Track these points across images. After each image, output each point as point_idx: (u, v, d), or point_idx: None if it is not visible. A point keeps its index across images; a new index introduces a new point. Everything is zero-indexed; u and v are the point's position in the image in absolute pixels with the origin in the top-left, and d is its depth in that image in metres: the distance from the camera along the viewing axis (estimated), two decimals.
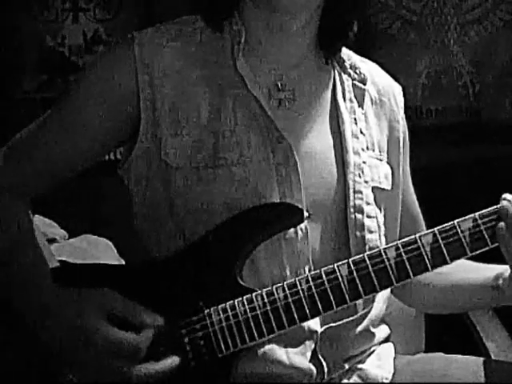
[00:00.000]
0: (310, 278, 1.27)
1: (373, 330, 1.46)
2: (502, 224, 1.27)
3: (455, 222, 1.28)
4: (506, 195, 1.29)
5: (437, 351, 1.58)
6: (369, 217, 1.41)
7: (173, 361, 1.25)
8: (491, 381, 1.43)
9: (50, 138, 1.38)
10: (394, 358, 1.51)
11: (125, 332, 1.23)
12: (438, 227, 1.28)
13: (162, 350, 1.26)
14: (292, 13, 1.35)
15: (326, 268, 1.27)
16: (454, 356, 1.53)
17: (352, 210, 1.39)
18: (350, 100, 1.46)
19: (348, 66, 1.48)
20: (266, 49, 1.40)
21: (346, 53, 1.49)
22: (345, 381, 1.41)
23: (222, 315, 1.27)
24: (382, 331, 1.50)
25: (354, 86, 1.48)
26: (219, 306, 1.27)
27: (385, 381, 1.45)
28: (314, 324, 1.35)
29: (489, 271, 1.42)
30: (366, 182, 1.42)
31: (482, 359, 1.50)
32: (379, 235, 1.43)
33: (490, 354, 1.80)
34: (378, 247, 1.35)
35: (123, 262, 1.65)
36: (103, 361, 1.22)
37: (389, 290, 1.47)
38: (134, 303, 1.26)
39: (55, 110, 1.41)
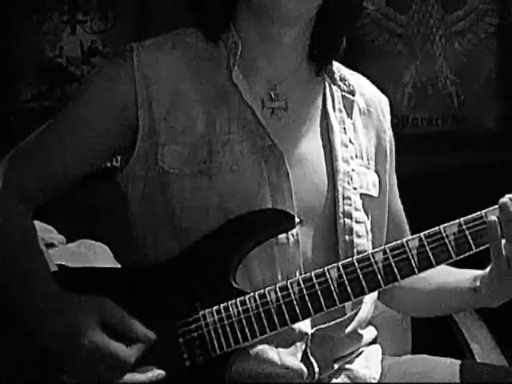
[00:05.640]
0: (300, 281, 1.30)
1: (360, 331, 1.49)
2: (493, 217, 1.30)
3: (441, 227, 1.31)
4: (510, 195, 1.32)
5: (422, 352, 1.61)
6: (357, 222, 1.44)
7: (158, 374, 1.28)
8: (475, 383, 1.45)
9: (51, 147, 1.41)
10: (382, 360, 1.54)
11: (116, 343, 1.26)
12: (424, 232, 1.31)
13: (158, 350, 1.29)
14: (286, 23, 1.38)
15: (316, 271, 1.30)
16: (439, 358, 1.56)
17: (341, 215, 1.42)
18: (340, 110, 1.50)
19: (338, 78, 1.52)
20: (260, 60, 1.43)
21: (335, 65, 1.53)
22: (334, 381, 1.44)
23: (216, 316, 1.29)
24: (369, 333, 1.53)
25: (343, 97, 1.51)
26: (214, 308, 1.30)
27: (372, 381, 1.48)
28: (305, 326, 1.38)
29: (466, 274, 1.46)
30: (354, 188, 1.45)
31: (466, 361, 1.54)
32: (367, 240, 1.46)
33: (475, 355, 1.82)
34: (366, 251, 1.38)
35: (119, 267, 1.67)
36: (91, 366, 1.25)
37: (376, 292, 1.50)
38: (130, 317, 1.28)
39: (57, 120, 1.43)
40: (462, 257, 1.32)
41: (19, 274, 1.33)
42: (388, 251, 1.30)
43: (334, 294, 1.29)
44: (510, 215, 1.29)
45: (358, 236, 1.44)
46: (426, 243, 1.30)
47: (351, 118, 1.51)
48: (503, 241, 1.31)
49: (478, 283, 1.41)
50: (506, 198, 1.31)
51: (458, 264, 1.36)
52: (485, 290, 1.39)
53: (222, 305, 1.30)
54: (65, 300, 1.30)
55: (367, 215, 1.48)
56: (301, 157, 1.42)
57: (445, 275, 1.50)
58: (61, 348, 1.27)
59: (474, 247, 1.31)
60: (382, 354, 1.57)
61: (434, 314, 1.63)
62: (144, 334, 1.28)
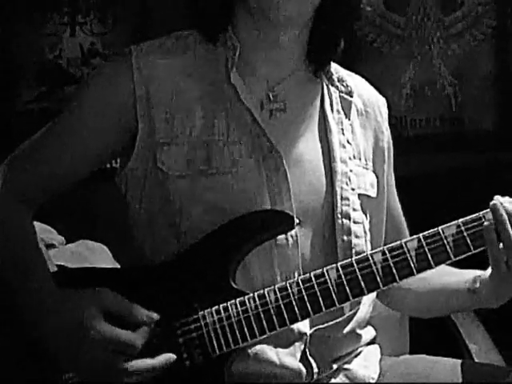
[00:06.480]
0: (300, 282, 1.30)
1: (359, 331, 1.50)
2: (488, 223, 1.30)
3: (439, 228, 1.32)
4: (498, 197, 1.33)
5: (421, 353, 1.62)
6: (355, 222, 1.45)
7: (169, 357, 1.28)
8: (473, 383, 1.46)
9: (52, 148, 1.42)
10: (380, 360, 1.55)
11: (121, 330, 1.26)
12: (423, 233, 1.32)
13: (158, 350, 1.29)
14: (284, 25, 1.39)
15: (315, 272, 1.31)
16: (437, 358, 1.57)
17: (339, 215, 1.43)
18: (338, 111, 1.50)
19: (336, 79, 1.52)
20: (258, 61, 1.44)
21: (333, 66, 1.53)
22: (332, 381, 1.45)
23: (215, 317, 1.30)
24: (367, 333, 1.54)
25: (341, 98, 1.52)
26: (213, 308, 1.30)
27: (371, 381, 1.49)
28: (303, 326, 1.39)
29: (466, 275, 1.46)
30: (352, 189, 1.46)
31: (464, 361, 1.54)
32: (365, 240, 1.47)
33: (473, 356, 1.82)
34: (364, 252, 1.39)
35: (119, 267, 1.68)
36: (99, 356, 1.25)
37: (375, 293, 1.50)
38: (130, 302, 1.29)
39: (57, 122, 1.44)
40: (460, 258, 1.32)
41: (19, 273, 1.33)
42: (387, 252, 1.31)
43: (333, 294, 1.30)
44: (501, 217, 1.30)
45: (356, 236, 1.45)
46: (424, 244, 1.31)
47: (349, 119, 1.52)
48: (501, 244, 1.31)
49: (477, 285, 1.41)
50: (495, 201, 1.32)
51: (459, 263, 1.36)
52: (485, 291, 1.40)
53: (221, 305, 1.31)
54: (64, 299, 1.30)
55: (365, 215, 1.49)
56: (299, 158, 1.43)
57: (445, 276, 1.51)
58: (63, 346, 1.27)
59: (472, 248, 1.31)
60: (381, 354, 1.58)
61: (434, 315, 1.64)
62: (147, 315, 1.29)
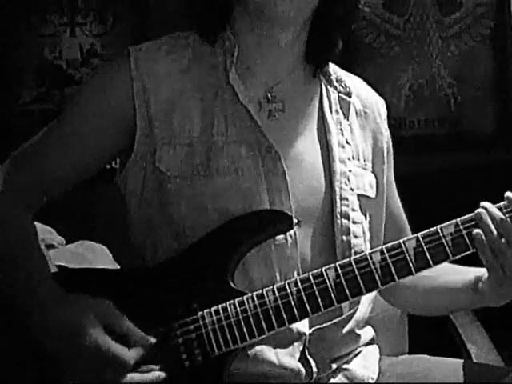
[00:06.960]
0: (298, 281, 1.31)
1: (358, 331, 1.50)
2: (477, 230, 1.31)
3: (438, 227, 1.32)
4: (484, 203, 1.33)
5: (420, 353, 1.62)
6: (354, 222, 1.45)
7: (158, 375, 1.28)
8: (472, 382, 1.46)
9: (52, 149, 1.42)
10: (379, 360, 1.55)
11: (117, 345, 1.26)
12: (422, 232, 1.32)
13: (157, 350, 1.29)
14: (282, 25, 1.39)
15: (314, 272, 1.31)
16: (436, 358, 1.57)
17: (338, 215, 1.43)
18: (336, 112, 1.50)
19: (334, 80, 1.52)
20: (256, 61, 1.44)
21: (332, 67, 1.54)
22: (332, 381, 1.45)
23: (214, 317, 1.30)
24: (366, 333, 1.54)
25: (339, 98, 1.52)
26: (212, 309, 1.30)
27: (370, 381, 1.49)
28: (302, 326, 1.39)
29: (470, 274, 1.46)
30: (351, 189, 1.46)
31: (463, 361, 1.54)
32: (364, 240, 1.47)
33: (472, 356, 1.83)
34: (362, 252, 1.39)
35: (118, 267, 1.68)
36: (92, 366, 1.25)
37: (374, 292, 1.49)
38: (130, 323, 1.29)
39: (56, 123, 1.44)
40: (459, 257, 1.33)
41: (19, 274, 1.33)
42: (385, 251, 1.31)
43: (332, 294, 1.30)
44: (487, 227, 1.30)
45: (355, 236, 1.45)
46: (423, 243, 1.31)
47: (348, 120, 1.52)
48: None
49: (480, 284, 1.41)
50: (481, 209, 1.32)
51: (459, 261, 1.37)
52: (488, 291, 1.39)
53: (220, 305, 1.31)
54: (65, 300, 1.30)
55: (364, 216, 1.49)
56: (298, 158, 1.43)
57: (446, 274, 1.51)
58: (61, 348, 1.28)
59: (470, 247, 1.32)
60: (380, 354, 1.57)
61: (435, 313, 1.65)
62: (143, 337, 1.29)
